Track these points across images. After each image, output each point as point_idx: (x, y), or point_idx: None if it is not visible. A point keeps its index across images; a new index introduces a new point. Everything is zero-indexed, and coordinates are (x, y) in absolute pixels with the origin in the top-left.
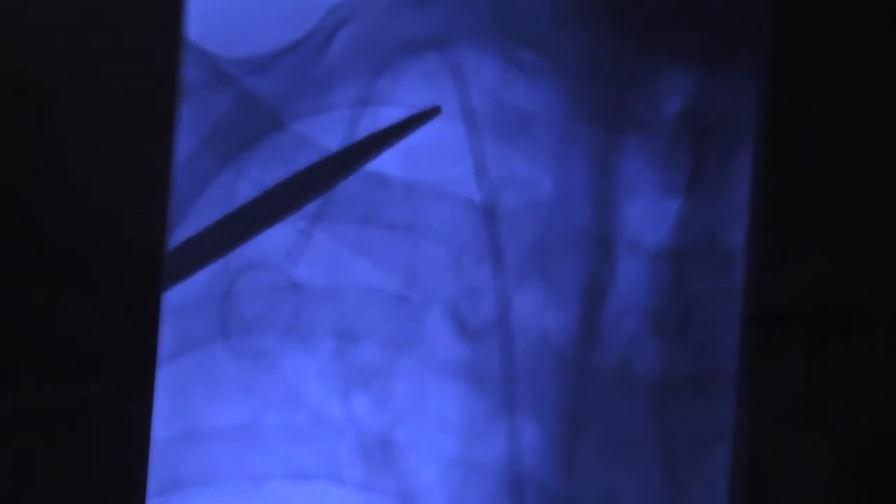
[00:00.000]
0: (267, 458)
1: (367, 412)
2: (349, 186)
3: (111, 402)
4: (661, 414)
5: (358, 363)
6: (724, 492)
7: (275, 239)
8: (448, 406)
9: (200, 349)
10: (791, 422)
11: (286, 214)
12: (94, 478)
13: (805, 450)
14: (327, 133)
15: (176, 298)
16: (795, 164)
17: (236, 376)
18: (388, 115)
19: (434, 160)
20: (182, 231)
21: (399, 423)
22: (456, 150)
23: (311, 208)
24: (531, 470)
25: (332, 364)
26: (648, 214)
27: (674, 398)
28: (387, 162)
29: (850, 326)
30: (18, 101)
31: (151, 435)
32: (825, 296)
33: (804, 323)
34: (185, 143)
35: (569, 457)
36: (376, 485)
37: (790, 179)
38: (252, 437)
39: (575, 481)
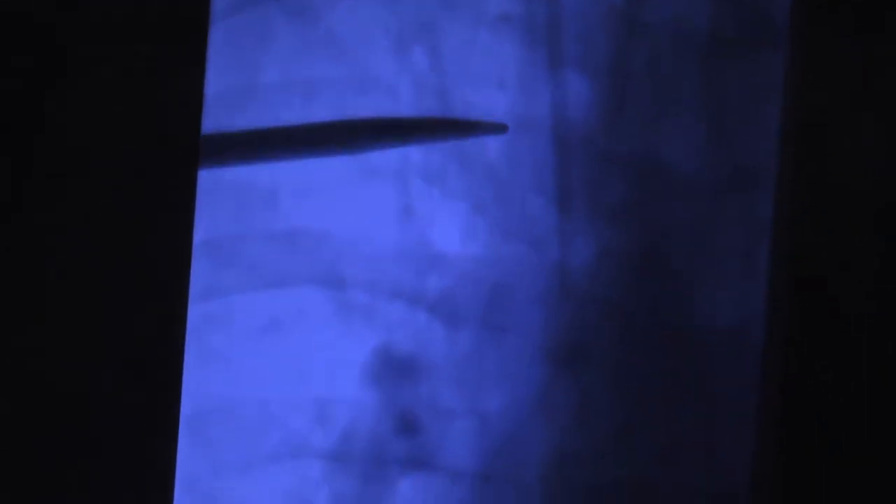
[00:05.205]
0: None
1: (420, 66)
2: None
3: (165, 65)
4: (709, 71)
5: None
6: (773, 148)
7: None
8: (498, 60)
9: (254, 7)
10: (843, 94)
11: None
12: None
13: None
14: None
15: None
16: None
17: (288, 33)
18: None
19: None
20: None
21: (450, 78)
22: None
23: None
24: (580, 124)
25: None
26: None
27: (723, 55)
28: None
29: None
30: None
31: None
32: None
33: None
34: None
35: (617, 112)
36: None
37: None
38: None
39: (621, 137)
